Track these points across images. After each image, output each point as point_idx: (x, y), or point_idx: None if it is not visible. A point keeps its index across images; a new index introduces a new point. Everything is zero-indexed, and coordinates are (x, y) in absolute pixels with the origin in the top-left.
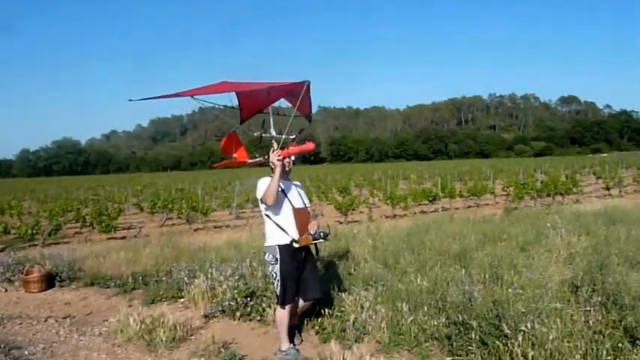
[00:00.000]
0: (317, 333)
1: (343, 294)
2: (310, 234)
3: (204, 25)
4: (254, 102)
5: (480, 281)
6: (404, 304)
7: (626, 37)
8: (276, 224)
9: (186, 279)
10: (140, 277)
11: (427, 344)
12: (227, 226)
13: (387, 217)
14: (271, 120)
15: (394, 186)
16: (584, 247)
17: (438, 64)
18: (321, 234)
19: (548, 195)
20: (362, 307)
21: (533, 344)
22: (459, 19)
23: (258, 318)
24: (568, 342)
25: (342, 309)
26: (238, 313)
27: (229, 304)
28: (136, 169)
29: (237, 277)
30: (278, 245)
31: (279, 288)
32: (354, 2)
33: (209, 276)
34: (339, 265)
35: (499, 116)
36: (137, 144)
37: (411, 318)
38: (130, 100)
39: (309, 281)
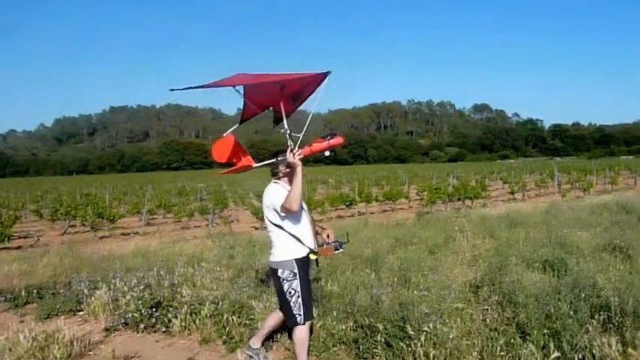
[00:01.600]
0: (224, 342)
1: (253, 301)
2: (330, 244)
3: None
4: (263, 98)
5: (388, 284)
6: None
7: (533, 48)
8: (292, 235)
9: (86, 291)
10: (35, 290)
11: (335, 349)
12: (136, 233)
13: None
14: (284, 116)
15: (312, 191)
16: (487, 249)
17: (360, 69)
18: (341, 244)
19: (459, 199)
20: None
21: (434, 344)
22: (382, 26)
23: (164, 329)
24: (467, 340)
25: (252, 316)
26: (142, 325)
27: (133, 315)
28: (37, 173)
29: (142, 286)
30: (295, 259)
31: (299, 305)
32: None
33: (112, 287)
34: (252, 272)
35: (416, 122)
36: (40, 145)
37: (320, 323)
38: (172, 90)
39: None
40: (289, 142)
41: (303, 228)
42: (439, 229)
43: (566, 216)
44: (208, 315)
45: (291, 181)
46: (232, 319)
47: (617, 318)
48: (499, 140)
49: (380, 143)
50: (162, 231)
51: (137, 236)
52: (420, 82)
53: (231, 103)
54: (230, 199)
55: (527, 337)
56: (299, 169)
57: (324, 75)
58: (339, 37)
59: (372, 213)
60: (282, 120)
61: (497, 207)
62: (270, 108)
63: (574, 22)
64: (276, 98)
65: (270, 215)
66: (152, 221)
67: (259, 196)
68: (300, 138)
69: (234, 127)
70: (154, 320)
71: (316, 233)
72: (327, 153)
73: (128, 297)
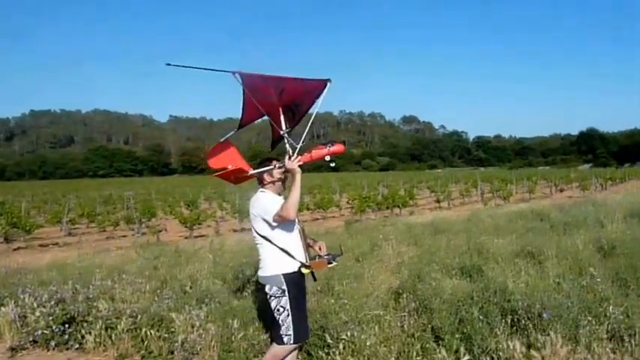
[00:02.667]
0: (142, 357)
1: (174, 314)
2: (322, 257)
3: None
4: (262, 102)
5: (312, 293)
6: (235, 320)
7: (458, 62)
8: (280, 248)
9: None
10: None
11: (256, 359)
12: (55, 244)
13: (234, 230)
14: (283, 122)
15: (245, 199)
16: (411, 257)
17: None
18: (334, 256)
19: (388, 208)
20: (192, 327)
21: (352, 351)
22: (316, 34)
23: (77, 346)
24: (384, 346)
25: (172, 329)
26: (53, 343)
27: (43, 332)
28: None
29: (54, 302)
30: (283, 274)
31: (287, 324)
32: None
33: (19, 303)
34: (175, 283)
35: (349, 132)
36: None
37: (242, 334)
38: (168, 65)
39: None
40: (288, 149)
41: (294, 240)
42: (367, 237)
43: (486, 223)
44: (125, 329)
45: (278, 189)
46: (151, 333)
47: (523, 321)
48: (427, 151)
49: (281, 152)
50: (84, 241)
51: (56, 247)
52: (352, 93)
53: (163, 110)
54: (159, 207)
55: (441, 341)
56: (298, 176)
57: (324, 83)
58: (273, 45)
59: (303, 221)
60: (280, 141)
61: (423, 215)
62: (266, 118)
63: (495, 39)
64: (274, 103)
65: (258, 226)
66: (74, 231)
67: (189, 205)
68: (300, 145)
69: (232, 132)
70: (66, 337)
71: (307, 246)
72: (327, 158)
73: (38, 313)
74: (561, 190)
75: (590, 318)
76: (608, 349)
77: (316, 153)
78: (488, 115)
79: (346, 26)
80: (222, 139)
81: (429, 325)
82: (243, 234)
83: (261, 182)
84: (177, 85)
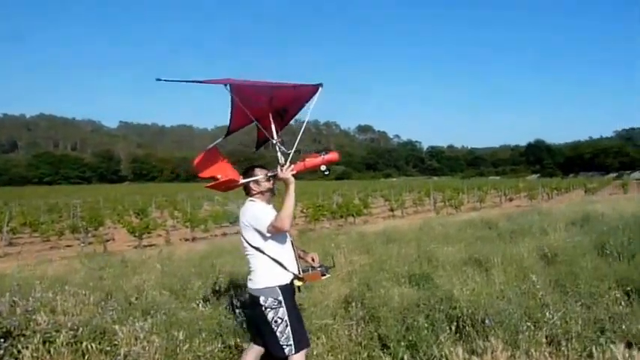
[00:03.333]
0: None
1: (117, 326)
2: (315, 268)
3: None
4: (251, 108)
5: None
6: (181, 332)
7: (412, 73)
8: (273, 259)
9: None
10: None
11: None
12: None
13: (186, 240)
14: (274, 130)
15: (197, 208)
16: (362, 265)
17: None
18: (327, 268)
19: (342, 216)
20: (136, 339)
21: None
22: (269, 43)
23: None
24: (332, 355)
25: (115, 342)
26: None
27: None
28: None
29: None
30: (279, 286)
31: (287, 335)
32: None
33: None
34: (120, 294)
35: (304, 141)
36: None
37: (187, 346)
38: (158, 80)
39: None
40: (279, 157)
41: (286, 251)
42: (319, 246)
43: (437, 232)
44: (65, 343)
45: (267, 199)
46: (92, 347)
47: (467, 328)
48: (382, 160)
49: (268, 160)
50: (25, 252)
51: None
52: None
53: (113, 115)
54: (107, 216)
55: (387, 349)
56: (292, 186)
57: (316, 88)
58: (230, 50)
59: None
60: (264, 143)
61: (377, 224)
62: (254, 123)
63: (447, 52)
64: (264, 110)
65: (249, 236)
66: (15, 241)
67: (139, 214)
68: (292, 153)
69: (220, 139)
70: (1, 352)
71: (298, 257)
72: (322, 168)
73: None
74: (510, 200)
75: (529, 324)
76: (546, 354)
77: (310, 162)
78: (441, 125)
79: (302, 35)
80: (209, 147)
81: (376, 334)
82: (195, 243)
83: (249, 192)
84: (127, 90)
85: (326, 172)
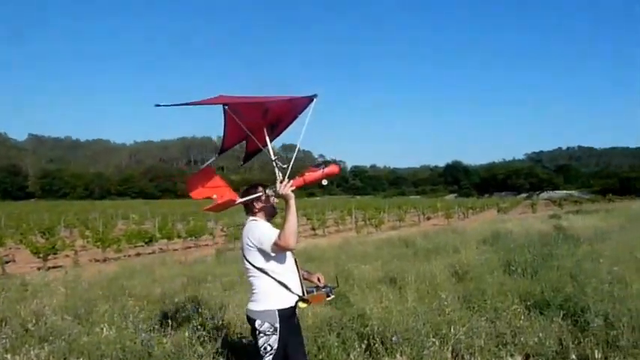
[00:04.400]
0: None
1: (9, 355)
2: (321, 289)
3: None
4: (245, 124)
5: (172, 327)
6: (80, 358)
7: (336, 94)
8: (278, 281)
9: None
10: None
11: None
12: None
13: (96, 261)
14: (269, 145)
15: (111, 227)
16: None
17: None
18: (332, 289)
19: None
20: None
21: None
22: (183, 58)
23: None
24: None
25: None
26: None
27: None
28: None
29: None
30: (278, 310)
31: None
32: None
33: None
34: (15, 321)
35: (227, 159)
36: None
37: None
38: (158, 106)
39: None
40: (277, 173)
41: (291, 272)
42: (237, 266)
43: (356, 251)
44: None
45: (267, 216)
46: None
47: (376, 345)
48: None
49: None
50: None
51: None
52: None
53: (21, 128)
54: (8, 236)
55: None
56: (292, 202)
57: (310, 99)
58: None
59: (174, 250)
60: (253, 156)
61: (298, 243)
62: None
63: (367, 74)
64: (258, 124)
65: (252, 257)
66: None
67: (45, 233)
68: (290, 168)
69: (213, 158)
70: None
71: (303, 278)
72: (324, 182)
73: None
74: (428, 218)
75: (435, 339)
76: None
77: (310, 176)
78: (364, 145)
79: (224, 50)
80: (202, 166)
81: None
82: (106, 264)
83: (251, 211)
84: (37, 100)
85: (323, 182)
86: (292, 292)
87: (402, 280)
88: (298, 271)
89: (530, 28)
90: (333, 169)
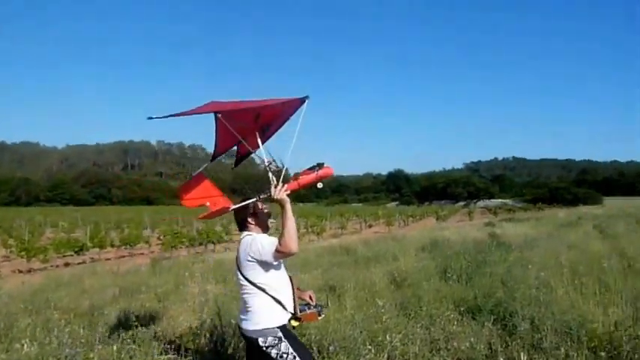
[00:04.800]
0: None
1: None
2: (312, 307)
3: None
4: (237, 129)
5: (100, 341)
6: None
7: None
8: (274, 298)
9: None
10: None
11: None
12: None
13: (20, 271)
14: (262, 149)
15: (38, 235)
16: (217, 294)
17: (106, 105)
18: (322, 308)
19: (202, 244)
20: None
21: None
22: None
23: None
24: None
25: None
26: None
27: None
28: None
29: None
30: (278, 327)
31: None
32: None
33: None
34: None
35: (167, 164)
36: None
37: None
38: (150, 118)
39: None
40: (271, 177)
41: (286, 290)
42: (173, 275)
43: (296, 259)
44: None
45: (262, 228)
46: None
47: (313, 354)
48: (249, 185)
49: (126, 183)
50: None
51: None
52: (172, 123)
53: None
54: None
55: None
56: (287, 206)
57: (301, 101)
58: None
59: (107, 259)
60: (244, 159)
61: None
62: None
63: (317, 82)
64: (250, 129)
65: (251, 273)
66: None
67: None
68: (284, 172)
69: (205, 165)
70: None
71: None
72: (319, 185)
73: None
74: (370, 226)
75: (371, 347)
76: None
77: (304, 179)
78: (307, 152)
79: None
80: (194, 173)
81: None
82: (31, 275)
83: (245, 227)
84: None
85: (319, 185)
86: (286, 310)
87: (341, 288)
88: (293, 287)
89: (472, 41)
90: (327, 171)
